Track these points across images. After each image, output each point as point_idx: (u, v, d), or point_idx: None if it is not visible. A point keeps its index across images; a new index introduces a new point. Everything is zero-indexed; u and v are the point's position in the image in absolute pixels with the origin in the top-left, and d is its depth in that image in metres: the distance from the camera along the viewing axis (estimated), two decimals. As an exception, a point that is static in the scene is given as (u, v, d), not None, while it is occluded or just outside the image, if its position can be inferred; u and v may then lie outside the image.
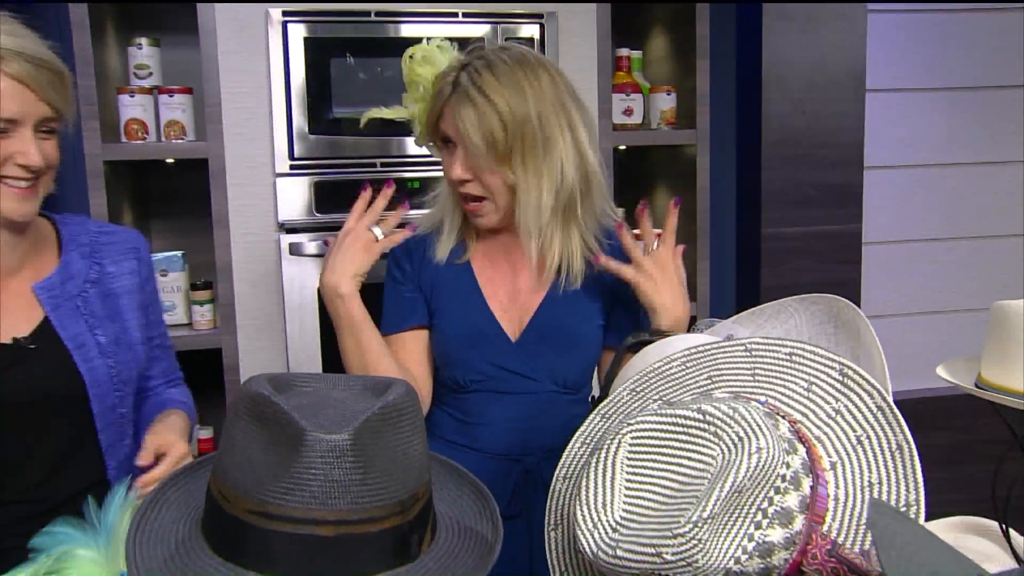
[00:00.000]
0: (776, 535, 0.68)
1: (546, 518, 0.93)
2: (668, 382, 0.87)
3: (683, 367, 0.88)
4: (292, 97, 2.42)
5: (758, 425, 0.71)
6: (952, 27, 3.40)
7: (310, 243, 2.45)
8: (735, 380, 0.84)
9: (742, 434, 0.71)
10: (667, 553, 0.64)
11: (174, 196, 2.74)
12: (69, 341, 1.39)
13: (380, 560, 0.76)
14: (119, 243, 1.52)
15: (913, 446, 0.79)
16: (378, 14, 2.46)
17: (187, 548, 0.79)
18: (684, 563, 0.64)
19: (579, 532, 0.73)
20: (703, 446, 0.70)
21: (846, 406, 0.82)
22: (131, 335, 1.48)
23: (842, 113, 3.09)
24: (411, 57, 1.57)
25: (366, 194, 1.53)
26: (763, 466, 0.69)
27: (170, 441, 1.37)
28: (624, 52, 2.79)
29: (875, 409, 0.81)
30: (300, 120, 2.43)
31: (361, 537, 0.75)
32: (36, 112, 1.32)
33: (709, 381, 0.86)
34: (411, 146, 2.50)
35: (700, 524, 0.64)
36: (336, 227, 2.44)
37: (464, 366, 1.55)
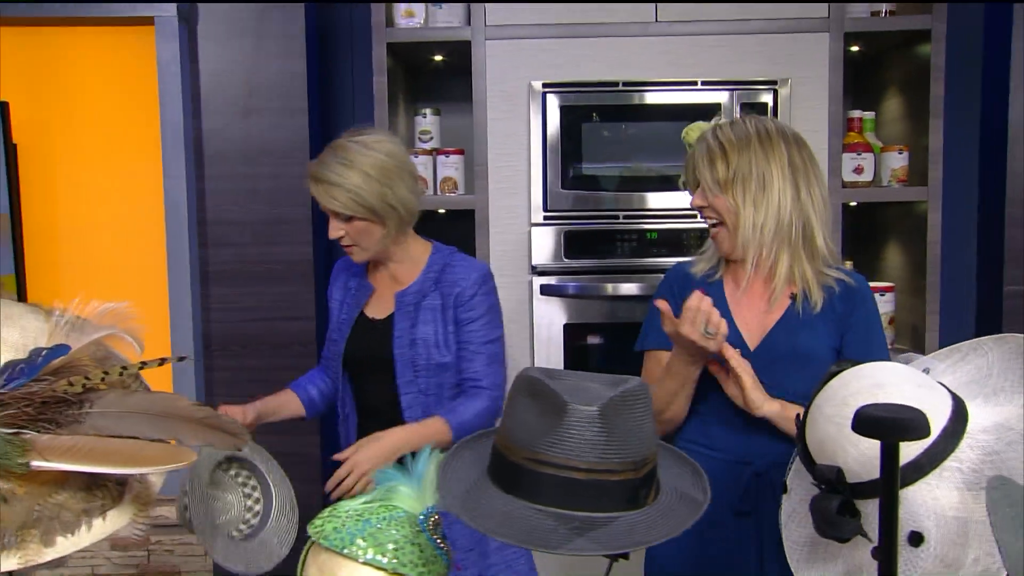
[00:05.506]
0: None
1: None
2: None
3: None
4: (547, 157, 2.79)
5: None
6: None
7: (559, 285, 2.79)
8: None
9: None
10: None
11: (441, 241, 3.18)
12: (396, 328, 2.09)
13: (616, 503, 1.05)
14: (457, 272, 2.13)
15: None
16: (625, 84, 2.78)
17: (479, 485, 1.11)
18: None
19: None
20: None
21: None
22: (437, 336, 2.08)
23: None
24: (690, 130, 1.99)
25: None
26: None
27: (354, 460, 1.99)
28: (856, 114, 2.95)
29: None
30: (553, 177, 2.79)
31: (604, 484, 1.03)
32: None
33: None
34: (651, 201, 2.79)
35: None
36: (582, 271, 2.81)
37: (707, 370, 1.83)
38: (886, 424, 1.04)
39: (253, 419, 2.09)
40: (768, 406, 1.75)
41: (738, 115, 2.71)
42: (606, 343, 2.88)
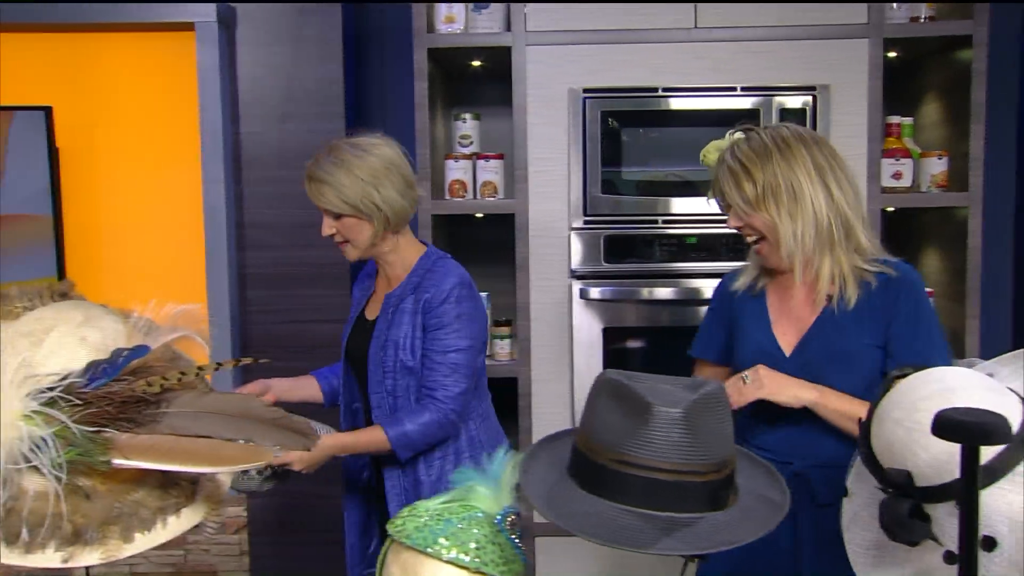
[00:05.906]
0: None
1: None
2: None
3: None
4: (587, 161, 2.80)
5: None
6: None
7: (598, 289, 2.80)
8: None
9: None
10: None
11: (481, 245, 3.19)
12: (375, 329, 2.19)
13: (700, 504, 1.06)
14: (433, 278, 2.16)
15: None
16: (665, 89, 2.80)
17: (561, 486, 1.13)
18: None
19: None
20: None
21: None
22: (405, 339, 2.14)
23: None
24: (708, 152, 2.01)
25: None
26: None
27: (286, 458, 2.02)
28: (895, 120, 2.95)
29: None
30: (593, 181, 2.81)
31: (689, 485, 1.05)
32: None
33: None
34: (690, 206, 2.80)
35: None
36: (623, 275, 2.82)
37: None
38: (968, 428, 1.04)
39: (262, 389, 2.23)
40: (806, 394, 1.78)
41: (775, 121, 2.71)
42: (646, 347, 2.89)
